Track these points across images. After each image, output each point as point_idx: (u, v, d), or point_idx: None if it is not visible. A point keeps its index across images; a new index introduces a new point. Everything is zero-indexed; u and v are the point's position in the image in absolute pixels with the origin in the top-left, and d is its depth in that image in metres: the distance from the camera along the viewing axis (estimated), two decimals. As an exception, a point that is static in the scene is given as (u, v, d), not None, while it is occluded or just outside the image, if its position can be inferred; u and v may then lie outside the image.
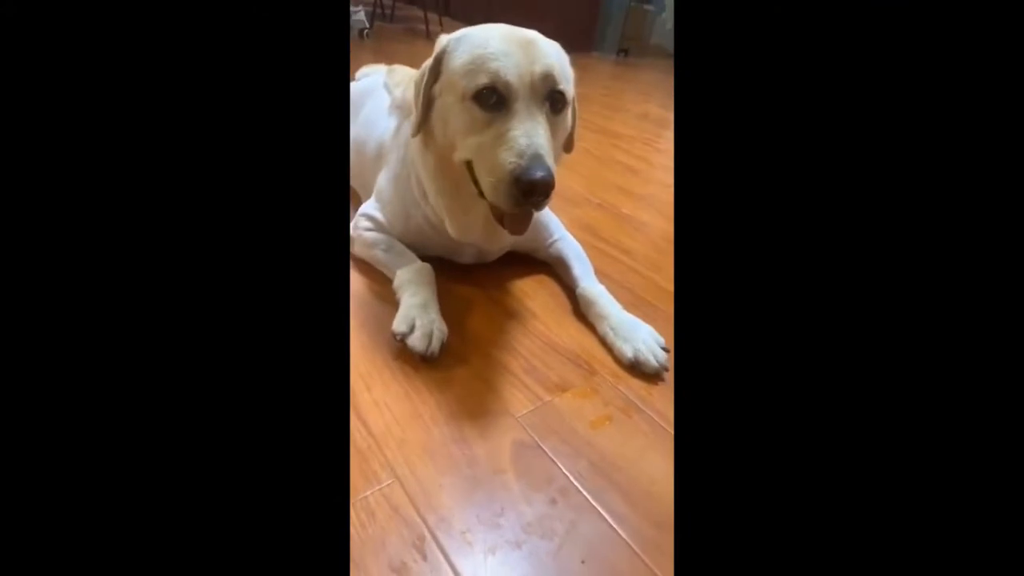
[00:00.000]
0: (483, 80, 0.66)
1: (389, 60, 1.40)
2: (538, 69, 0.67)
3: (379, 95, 1.08)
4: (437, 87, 0.74)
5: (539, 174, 0.61)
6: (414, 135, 0.78)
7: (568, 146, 0.83)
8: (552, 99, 0.69)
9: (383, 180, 0.94)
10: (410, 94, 0.82)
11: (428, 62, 0.75)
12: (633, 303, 0.93)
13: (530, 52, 0.68)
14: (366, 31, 3.33)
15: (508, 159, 0.63)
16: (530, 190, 0.62)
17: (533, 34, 0.72)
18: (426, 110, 0.75)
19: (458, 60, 0.70)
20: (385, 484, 0.56)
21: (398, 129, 0.93)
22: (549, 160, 0.64)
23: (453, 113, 0.71)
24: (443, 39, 0.74)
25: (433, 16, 3.90)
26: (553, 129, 0.70)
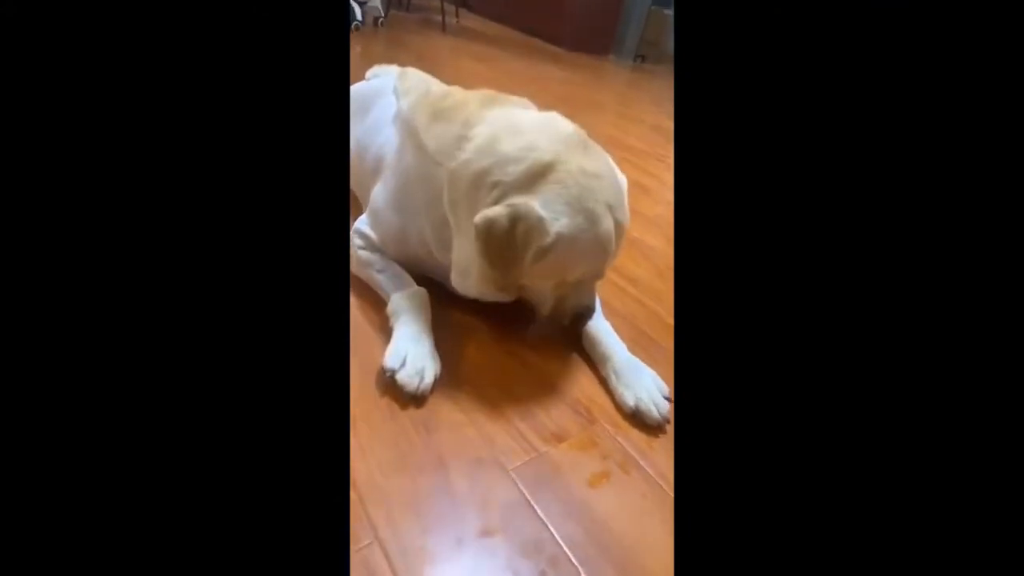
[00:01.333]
0: (573, 279, 0.76)
1: (404, 50, 1.35)
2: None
3: (387, 100, 1.03)
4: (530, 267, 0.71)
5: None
6: (504, 296, 0.80)
7: None
8: None
9: (378, 198, 0.89)
10: (432, 141, 0.80)
11: (533, 251, 0.69)
12: (636, 339, 0.89)
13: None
14: (381, 20, 3.27)
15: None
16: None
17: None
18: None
19: (573, 258, 0.72)
20: (364, 545, 0.52)
21: (401, 150, 0.87)
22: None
23: (539, 287, 0.78)
24: (553, 234, 0.69)
25: (450, 7, 3.83)
26: None
